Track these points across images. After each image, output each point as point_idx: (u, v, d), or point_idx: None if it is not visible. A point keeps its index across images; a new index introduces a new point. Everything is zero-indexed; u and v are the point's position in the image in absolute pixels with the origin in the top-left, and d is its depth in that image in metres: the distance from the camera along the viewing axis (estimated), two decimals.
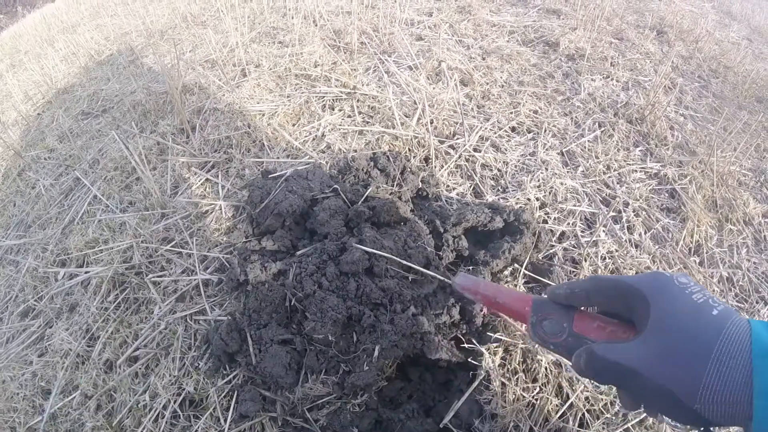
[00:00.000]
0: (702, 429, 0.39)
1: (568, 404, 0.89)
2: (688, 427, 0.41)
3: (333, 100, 1.52)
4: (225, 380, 0.92)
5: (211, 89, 1.67)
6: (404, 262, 0.90)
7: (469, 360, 0.91)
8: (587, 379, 0.69)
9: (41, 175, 1.76)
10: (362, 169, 1.15)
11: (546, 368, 0.92)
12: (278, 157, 1.31)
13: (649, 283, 0.46)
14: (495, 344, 0.93)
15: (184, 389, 0.94)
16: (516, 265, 1.06)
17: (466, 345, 0.91)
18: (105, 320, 1.11)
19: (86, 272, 1.20)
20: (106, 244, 1.25)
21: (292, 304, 0.89)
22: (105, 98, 2.04)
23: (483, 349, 0.89)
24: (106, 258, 1.21)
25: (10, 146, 2.01)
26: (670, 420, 0.42)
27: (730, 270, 1.24)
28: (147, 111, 1.70)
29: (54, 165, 1.78)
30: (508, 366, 0.92)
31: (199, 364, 0.96)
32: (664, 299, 0.43)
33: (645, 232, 1.27)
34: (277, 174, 1.16)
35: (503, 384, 0.90)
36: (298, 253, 0.97)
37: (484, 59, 1.81)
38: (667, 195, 1.40)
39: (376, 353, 0.81)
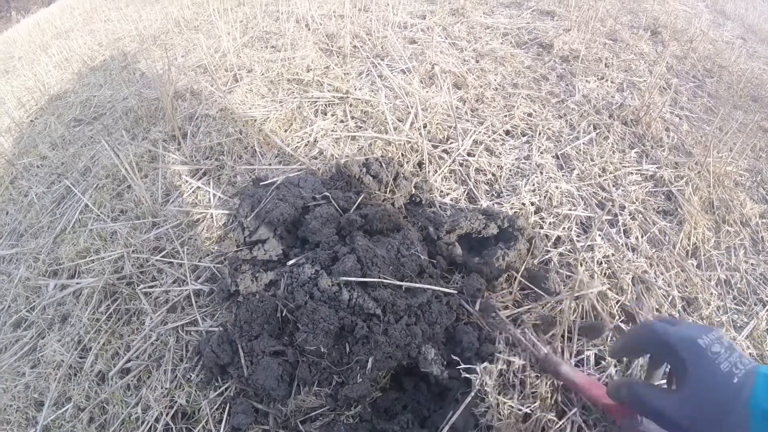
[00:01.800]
0: None
1: (566, 418, 0.88)
2: None
3: (325, 105, 1.51)
4: (217, 392, 0.91)
5: (203, 95, 1.66)
6: (397, 282, 0.89)
7: (464, 375, 0.90)
8: None
9: (33, 183, 1.74)
10: (354, 176, 1.14)
11: (546, 384, 0.90)
12: (270, 164, 1.30)
13: (686, 347, 0.56)
14: (490, 362, 0.91)
15: (176, 402, 0.92)
16: (511, 272, 1.04)
17: (460, 365, 0.89)
18: (97, 331, 1.10)
19: (77, 283, 1.18)
20: (97, 253, 1.24)
21: (284, 315, 0.88)
22: (97, 105, 2.03)
23: (478, 368, 0.88)
24: (97, 268, 1.20)
25: (2, 154, 2.00)
26: None
27: (728, 272, 1.23)
28: (139, 117, 1.69)
29: (46, 173, 1.76)
30: (506, 381, 0.91)
31: (191, 376, 0.94)
32: (701, 365, 0.54)
33: (642, 236, 1.25)
34: (269, 181, 1.15)
35: (498, 399, 0.89)
36: (290, 262, 0.95)
37: (477, 62, 1.80)
38: (663, 197, 1.38)
39: (369, 365, 0.80)
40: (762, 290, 1.21)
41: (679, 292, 1.12)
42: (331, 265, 0.90)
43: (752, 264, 1.27)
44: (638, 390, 0.60)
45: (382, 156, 1.25)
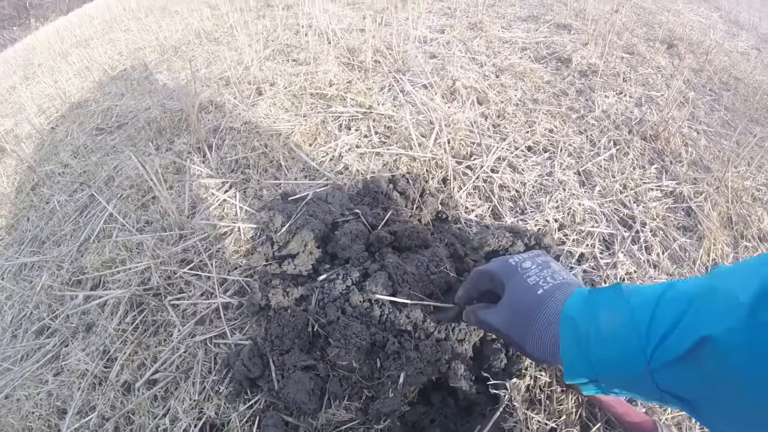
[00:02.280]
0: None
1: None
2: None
3: (349, 119, 1.53)
4: (247, 405, 0.91)
5: (227, 107, 1.68)
6: (430, 302, 0.90)
7: (491, 391, 0.90)
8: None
9: (55, 190, 1.77)
10: (382, 192, 1.15)
11: (571, 400, 0.91)
12: (296, 178, 1.31)
13: (501, 268, 0.69)
14: (518, 377, 0.92)
15: (204, 413, 0.93)
16: None
17: (489, 381, 0.90)
18: (123, 342, 1.11)
19: (105, 294, 1.20)
20: (123, 264, 1.25)
21: (315, 330, 0.89)
22: (119, 114, 2.06)
23: (507, 384, 0.89)
24: (123, 279, 1.21)
25: (23, 160, 2.02)
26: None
27: None
28: (162, 128, 1.71)
29: (68, 181, 1.78)
30: (533, 396, 0.91)
31: (220, 389, 0.95)
32: (512, 281, 0.66)
33: (663, 252, 1.25)
34: (298, 196, 1.16)
35: (526, 414, 0.90)
36: (320, 278, 0.96)
37: (497, 77, 1.82)
38: (683, 213, 1.39)
39: (401, 380, 0.81)
40: None
41: None
42: (362, 281, 0.91)
43: None
44: (476, 311, 0.70)
45: (408, 172, 1.26)
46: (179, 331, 1.05)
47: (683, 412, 0.95)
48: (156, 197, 1.40)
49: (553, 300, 0.59)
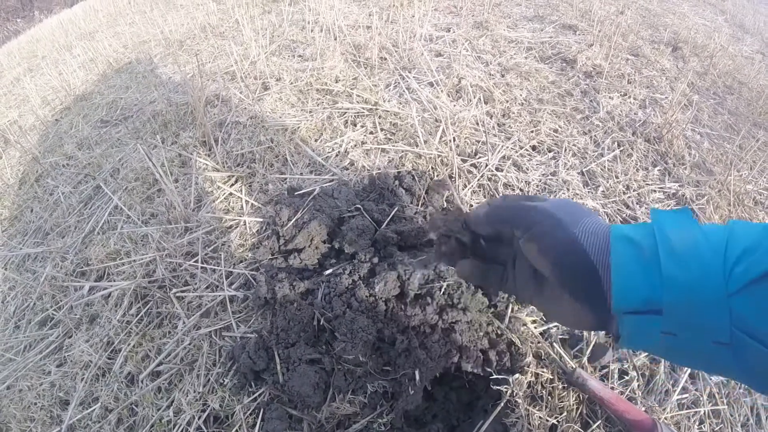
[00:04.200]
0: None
1: (590, 430, 0.89)
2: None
3: (355, 116, 1.53)
4: (251, 398, 0.92)
5: (233, 102, 1.68)
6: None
7: (493, 387, 0.91)
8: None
9: (60, 182, 1.77)
10: (387, 188, 1.15)
11: (572, 396, 0.92)
12: (302, 173, 1.32)
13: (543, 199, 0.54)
14: (521, 373, 0.92)
15: (209, 406, 0.93)
16: None
17: (493, 372, 0.90)
18: (127, 333, 1.11)
19: (110, 286, 1.20)
20: (128, 256, 1.26)
21: (321, 323, 0.90)
22: (124, 107, 2.06)
23: (510, 379, 0.89)
24: (128, 270, 1.22)
25: (28, 151, 2.03)
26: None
27: None
28: (167, 121, 1.71)
29: (73, 173, 1.79)
30: (534, 392, 0.92)
31: (224, 381, 0.95)
32: (556, 200, 0.51)
33: None
34: (304, 191, 1.16)
35: (528, 409, 0.90)
36: (326, 272, 0.97)
37: (503, 76, 1.82)
38: None
39: (417, 377, 0.81)
40: None
41: None
42: (370, 276, 0.91)
43: None
44: (511, 198, 0.54)
45: (414, 169, 1.26)
46: (184, 323, 1.06)
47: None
48: (161, 190, 1.40)
49: (598, 217, 0.48)
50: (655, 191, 1.43)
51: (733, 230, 0.39)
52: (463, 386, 0.95)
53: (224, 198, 1.31)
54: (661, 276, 0.39)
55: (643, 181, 1.45)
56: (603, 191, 1.37)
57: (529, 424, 0.89)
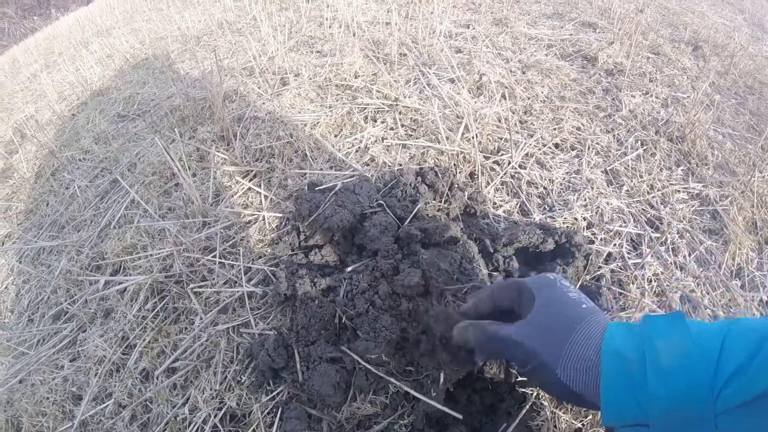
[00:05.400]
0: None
1: None
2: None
3: (375, 111, 1.51)
4: (269, 396, 0.90)
5: (251, 97, 1.67)
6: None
7: (519, 389, 0.89)
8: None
9: (76, 176, 1.76)
10: (410, 184, 1.13)
11: None
12: (321, 169, 1.30)
13: (537, 282, 0.60)
14: None
15: (225, 404, 0.91)
16: None
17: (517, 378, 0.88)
18: (143, 329, 1.10)
19: (126, 280, 1.19)
20: (144, 250, 1.24)
21: (342, 321, 0.87)
22: (141, 102, 2.05)
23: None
24: (144, 265, 1.20)
25: (44, 145, 2.03)
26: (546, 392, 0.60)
27: None
28: (185, 116, 1.70)
29: (89, 167, 1.78)
30: None
31: (242, 378, 0.94)
32: (547, 292, 0.57)
33: (689, 255, 1.23)
34: (325, 186, 1.14)
35: (554, 412, 0.88)
36: (348, 269, 0.95)
37: (524, 73, 1.79)
38: (709, 216, 1.36)
39: (441, 379, 0.79)
40: None
41: (723, 312, 1.11)
42: (393, 274, 0.89)
43: None
44: (484, 326, 0.61)
45: (436, 165, 1.24)
46: (201, 319, 1.04)
47: None
48: (179, 184, 1.39)
49: (599, 317, 0.51)
50: (678, 191, 1.40)
51: (729, 337, 0.40)
52: (486, 388, 0.93)
53: (243, 193, 1.29)
54: (647, 392, 0.41)
55: (667, 180, 1.41)
56: (627, 190, 1.34)
57: (555, 427, 0.87)
